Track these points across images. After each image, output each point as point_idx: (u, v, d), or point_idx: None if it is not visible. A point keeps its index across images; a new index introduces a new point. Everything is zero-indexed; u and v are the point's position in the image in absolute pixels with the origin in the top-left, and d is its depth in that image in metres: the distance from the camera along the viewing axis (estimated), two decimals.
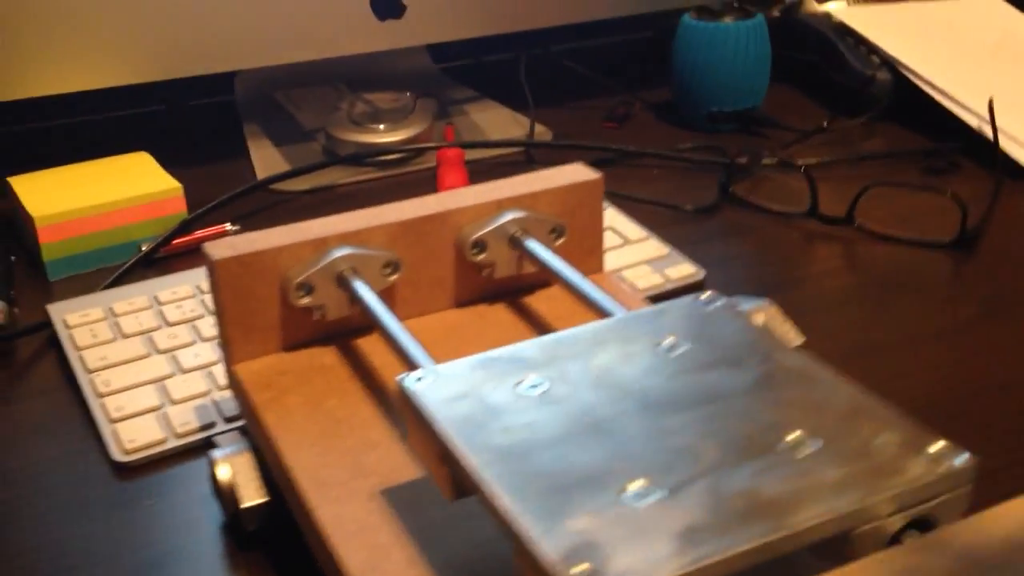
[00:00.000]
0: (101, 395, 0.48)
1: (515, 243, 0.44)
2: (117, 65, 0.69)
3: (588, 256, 0.48)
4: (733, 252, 0.63)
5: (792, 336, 0.49)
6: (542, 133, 0.81)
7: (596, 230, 0.47)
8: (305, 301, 0.41)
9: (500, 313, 0.45)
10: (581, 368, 0.31)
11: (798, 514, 0.25)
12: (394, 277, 0.42)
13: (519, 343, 0.33)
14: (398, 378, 0.32)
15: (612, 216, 0.64)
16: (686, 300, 0.35)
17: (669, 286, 0.58)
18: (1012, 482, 0.43)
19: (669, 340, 0.33)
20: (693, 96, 0.81)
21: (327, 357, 0.42)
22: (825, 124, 0.78)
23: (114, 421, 0.47)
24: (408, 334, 0.37)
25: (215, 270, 0.40)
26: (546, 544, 0.25)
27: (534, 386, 0.31)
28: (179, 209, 0.64)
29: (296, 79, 0.88)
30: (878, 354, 0.52)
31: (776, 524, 0.25)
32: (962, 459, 0.27)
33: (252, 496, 0.40)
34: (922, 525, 0.27)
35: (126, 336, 0.52)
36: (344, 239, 0.42)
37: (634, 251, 0.60)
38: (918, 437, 0.28)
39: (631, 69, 0.97)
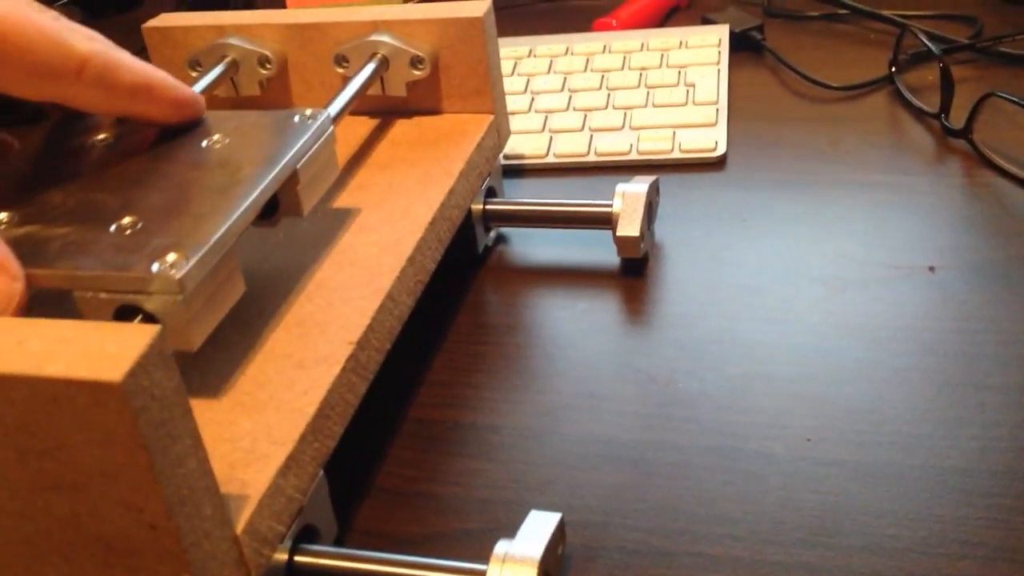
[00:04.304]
0: None
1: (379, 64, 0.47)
2: None
3: (473, 96, 0.48)
4: (817, 141, 0.55)
5: (632, 221, 0.45)
6: None
7: (480, 70, 0.48)
8: (194, 75, 0.50)
9: (365, 125, 0.49)
10: (140, 137, 0.37)
11: (50, 264, 0.30)
12: (267, 73, 0.49)
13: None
14: None
15: (704, 73, 0.59)
16: (286, 113, 0.38)
17: (676, 155, 0.54)
18: None
19: (217, 138, 0.36)
20: None
21: None
22: None
23: None
24: None
25: (144, 35, 0.51)
26: None
27: (101, 137, 0.37)
28: None
29: None
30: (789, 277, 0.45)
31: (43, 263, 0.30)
32: (182, 271, 0.29)
33: None
34: (129, 313, 0.30)
35: None
36: (238, 30, 0.49)
37: (683, 113, 0.56)
38: (163, 248, 0.30)
39: None
